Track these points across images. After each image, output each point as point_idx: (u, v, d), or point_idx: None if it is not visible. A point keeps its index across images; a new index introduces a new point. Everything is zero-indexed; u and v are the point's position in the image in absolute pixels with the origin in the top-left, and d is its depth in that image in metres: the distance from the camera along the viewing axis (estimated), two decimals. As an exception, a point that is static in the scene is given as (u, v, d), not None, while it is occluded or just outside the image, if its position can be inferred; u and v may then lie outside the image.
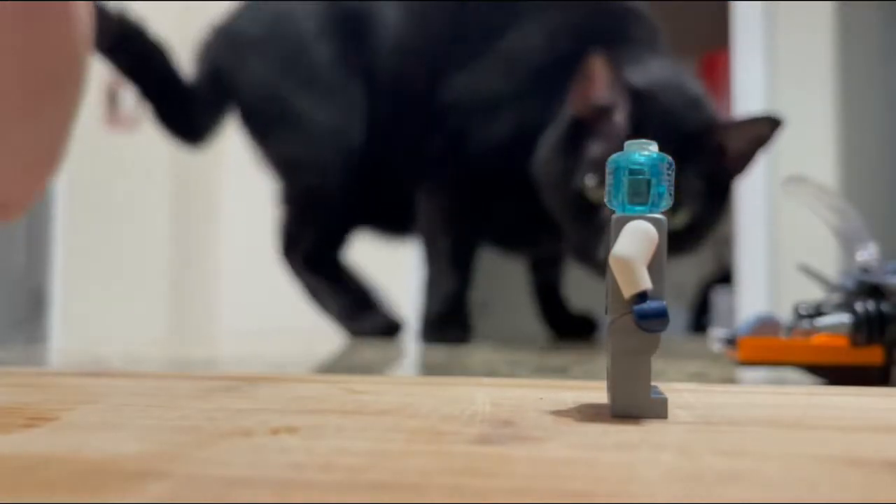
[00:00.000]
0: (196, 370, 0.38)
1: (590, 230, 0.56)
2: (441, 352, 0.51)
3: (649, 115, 0.56)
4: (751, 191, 1.64)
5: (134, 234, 1.87)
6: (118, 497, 0.11)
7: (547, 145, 0.59)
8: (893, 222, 1.62)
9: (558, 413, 0.17)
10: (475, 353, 0.51)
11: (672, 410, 0.18)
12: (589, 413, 0.17)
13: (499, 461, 0.13)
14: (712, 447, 0.14)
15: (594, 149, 0.56)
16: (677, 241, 0.56)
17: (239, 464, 0.12)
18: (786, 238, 1.64)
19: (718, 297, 2.29)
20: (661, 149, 0.53)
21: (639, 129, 0.55)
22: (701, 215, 0.56)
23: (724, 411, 0.18)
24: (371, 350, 0.53)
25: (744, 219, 1.68)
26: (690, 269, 2.79)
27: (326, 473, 0.12)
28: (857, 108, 1.70)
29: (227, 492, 0.11)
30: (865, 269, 0.32)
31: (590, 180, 0.55)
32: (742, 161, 0.58)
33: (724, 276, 2.22)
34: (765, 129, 0.57)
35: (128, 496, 0.11)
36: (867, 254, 0.33)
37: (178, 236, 1.96)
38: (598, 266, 0.57)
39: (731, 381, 0.35)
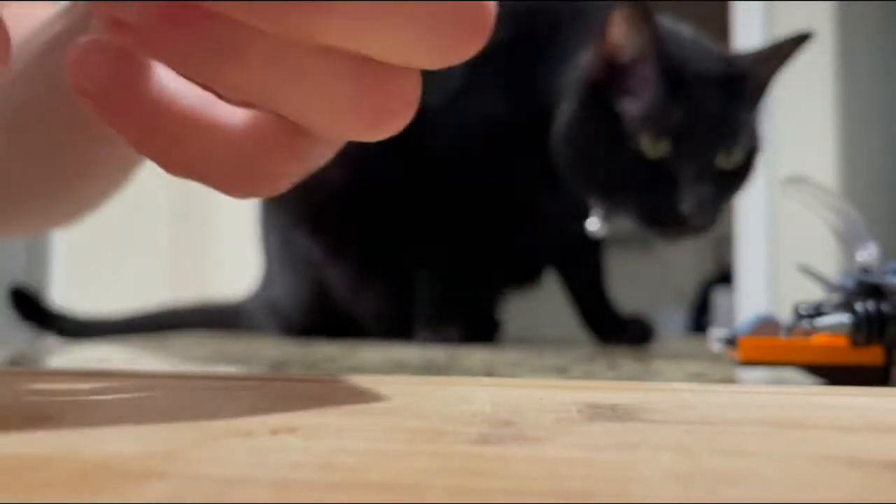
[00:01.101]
0: (196, 370, 0.38)
1: (662, 188, 0.54)
2: (441, 352, 0.51)
3: (685, 62, 0.55)
4: (751, 191, 1.64)
5: (134, 234, 1.87)
6: (118, 497, 0.11)
7: (569, 120, 0.57)
8: (893, 222, 1.62)
9: (558, 413, 0.17)
10: (475, 353, 0.51)
11: (672, 410, 0.18)
12: (589, 413, 0.17)
13: (499, 461, 0.13)
14: (712, 447, 0.14)
15: (633, 106, 0.55)
16: (735, 180, 0.56)
17: (239, 464, 0.12)
18: (786, 238, 1.64)
19: (718, 297, 2.29)
20: (710, 91, 0.55)
21: (676, 77, 0.54)
22: (753, 150, 0.57)
23: (724, 411, 0.18)
24: (371, 350, 0.53)
25: (744, 219, 1.68)
26: (690, 269, 2.79)
27: (326, 473, 0.12)
28: (857, 108, 1.70)
29: (227, 492, 0.11)
30: (865, 269, 0.32)
31: (646, 138, 0.54)
32: (764, 87, 0.58)
33: (724, 276, 2.22)
34: (793, 48, 0.58)
35: (128, 496, 0.11)
36: (867, 254, 0.33)
37: (178, 237, 1.96)
38: (686, 225, 0.55)
39: (731, 381, 0.35)
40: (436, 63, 0.17)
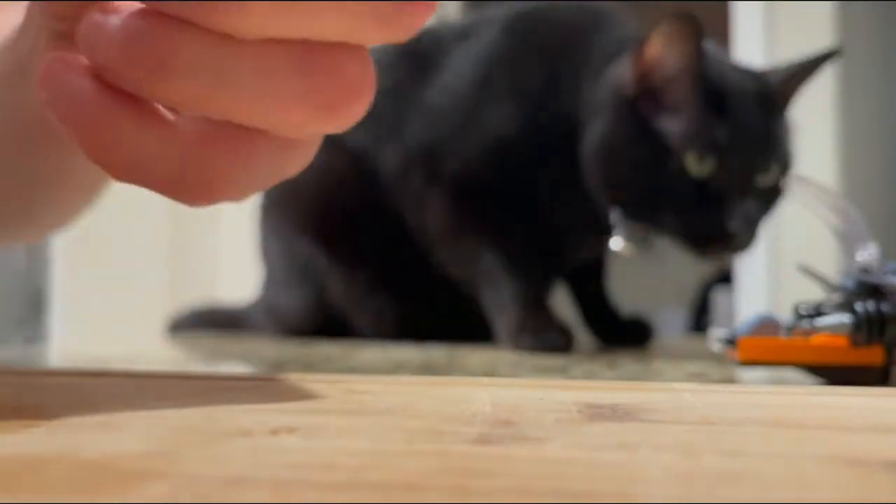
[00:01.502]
0: (196, 370, 0.38)
1: (707, 206, 0.53)
2: (441, 352, 0.51)
3: (724, 79, 0.54)
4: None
5: (134, 233, 1.87)
6: (118, 497, 0.11)
7: (604, 138, 0.55)
8: (893, 222, 1.62)
9: (558, 413, 0.17)
10: (475, 353, 0.51)
11: (672, 410, 0.18)
12: (589, 413, 0.17)
13: (499, 461, 0.13)
14: (712, 447, 0.14)
15: (674, 123, 0.53)
16: (772, 197, 0.56)
17: (239, 464, 0.12)
18: (786, 238, 1.64)
19: (718, 297, 2.28)
20: (750, 109, 0.53)
21: (717, 95, 0.53)
22: (786, 167, 0.56)
23: (724, 411, 0.18)
24: (371, 350, 0.53)
25: (744, 219, 1.68)
26: (690, 269, 2.79)
27: (326, 473, 0.12)
28: (857, 108, 1.70)
29: (227, 492, 0.11)
30: (865, 270, 0.32)
31: (691, 156, 0.52)
32: (790, 102, 0.58)
33: (724, 276, 2.22)
34: (820, 65, 0.58)
35: (128, 496, 0.11)
36: (867, 254, 0.33)
37: (178, 235, 1.96)
38: (732, 243, 0.53)
39: (731, 381, 0.35)
40: (383, 37, 0.17)
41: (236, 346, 0.61)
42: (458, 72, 0.63)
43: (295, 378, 0.24)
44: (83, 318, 1.81)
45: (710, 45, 0.56)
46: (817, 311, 0.32)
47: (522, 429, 0.15)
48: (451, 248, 0.63)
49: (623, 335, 0.66)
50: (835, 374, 0.31)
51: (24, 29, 0.26)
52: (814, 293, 0.35)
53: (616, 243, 0.58)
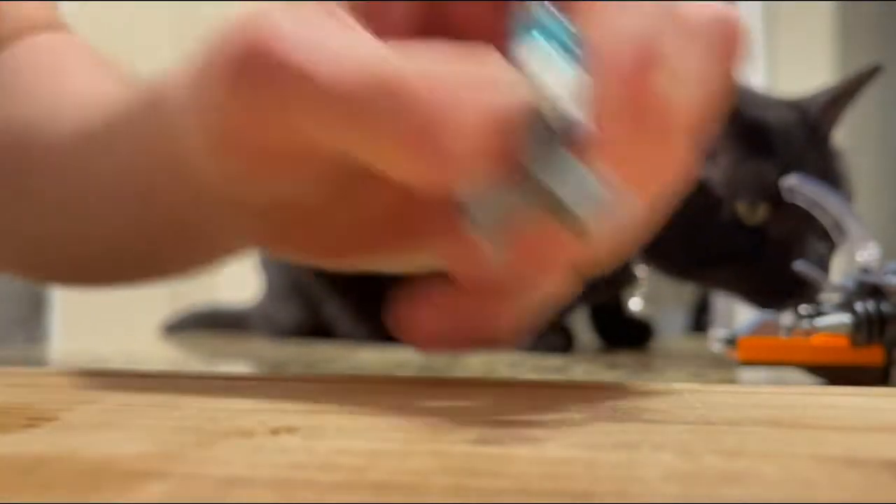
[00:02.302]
0: (196, 370, 0.38)
1: (772, 255, 0.49)
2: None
3: (760, 114, 0.50)
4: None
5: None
6: (118, 497, 0.11)
7: None
8: (893, 222, 1.62)
9: (558, 413, 0.17)
10: (475, 353, 0.51)
11: (672, 410, 0.18)
12: (589, 413, 0.17)
13: (499, 461, 0.13)
14: (712, 447, 0.14)
15: (713, 169, 0.49)
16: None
17: (239, 464, 0.12)
18: (786, 238, 1.63)
19: (718, 297, 2.28)
20: (796, 144, 0.53)
21: (757, 133, 0.49)
22: (850, 197, 0.52)
23: (724, 411, 0.18)
24: (371, 351, 0.53)
25: (744, 219, 1.68)
26: (690, 269, 2.78)
27: (326, 473, 0.12)
28: (857, 108, 1.70)
29: (227, 492, 0.11)
30: (865, 269, 0.32)
31: (742, 204, 0.48)
32: (834, 126, 0.53)
33: (724, 276, 2.22)
34: (863, 82, 0.53)
35: (128, 496, 0.11)
36: (867, 254, 0.33)
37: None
38: (809, 295, 0.45)
39: (731, 381, 0.35)
40: None
41: (236, 346, 0.61)
42: None
43: (295, 378, 0.24)
44: (83, 318, 1.81)
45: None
46: (817, 311, 0.32)
47: (522, 429, 0.15)
48: None
49: (624, 335, 0.65)
50: (835, 374, 0.31)
51: (154, 108, 0.24)
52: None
53: (635, 304, 0.55)
